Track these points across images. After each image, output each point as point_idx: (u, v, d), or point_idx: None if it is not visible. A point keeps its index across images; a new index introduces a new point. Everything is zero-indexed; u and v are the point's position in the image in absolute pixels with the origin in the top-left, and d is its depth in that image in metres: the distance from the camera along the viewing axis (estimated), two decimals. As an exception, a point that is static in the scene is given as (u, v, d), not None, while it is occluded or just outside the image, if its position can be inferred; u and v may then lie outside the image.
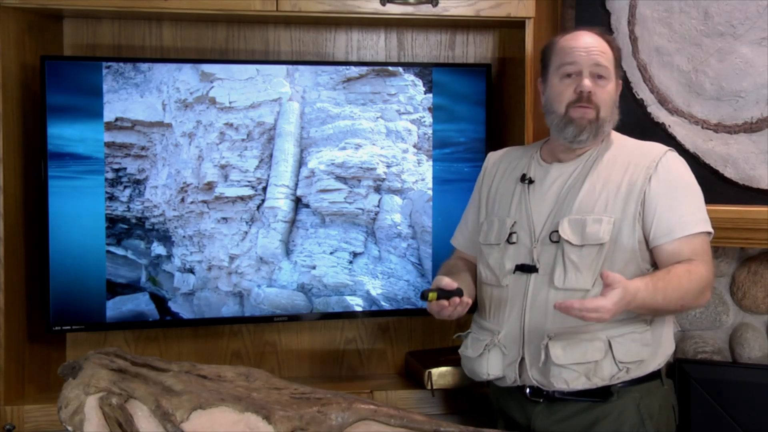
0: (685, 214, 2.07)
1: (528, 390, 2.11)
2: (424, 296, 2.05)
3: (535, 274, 2.10)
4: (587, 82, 2.09)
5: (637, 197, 2.07)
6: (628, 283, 1.90)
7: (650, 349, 2.08)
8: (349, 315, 2.78)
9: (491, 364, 2.14)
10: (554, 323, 2.05)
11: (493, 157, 2.35)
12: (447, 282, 2.07)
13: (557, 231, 2.08)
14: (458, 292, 2.06)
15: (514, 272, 2.13)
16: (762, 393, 2.59)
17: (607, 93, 2.12)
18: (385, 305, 2.77)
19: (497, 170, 2.29)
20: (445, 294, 2.06)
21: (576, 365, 2.03)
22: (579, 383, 2.04)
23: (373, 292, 2.75)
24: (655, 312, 2.05)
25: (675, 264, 2.03)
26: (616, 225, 2.06)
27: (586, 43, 2.12)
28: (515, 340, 2.11)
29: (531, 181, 2.18)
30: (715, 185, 2.55)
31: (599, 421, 2.08)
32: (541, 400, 2.11)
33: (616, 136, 2.20)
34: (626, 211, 2.07)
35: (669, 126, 2.62)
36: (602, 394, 2.07)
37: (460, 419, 2.49)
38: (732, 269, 2.72)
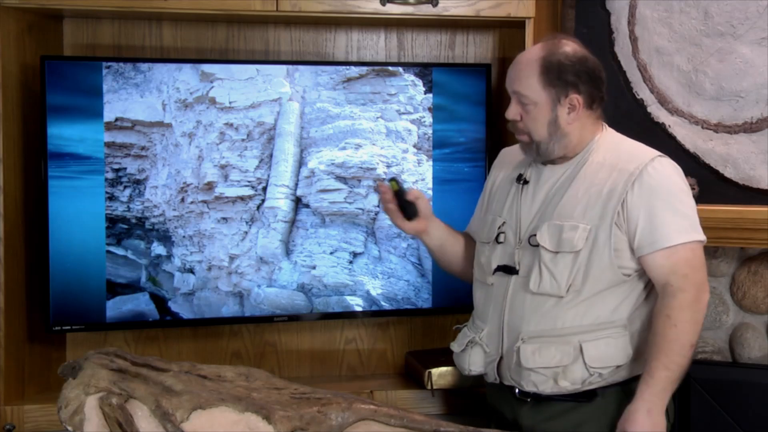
0: (667, 224, 2.00)
1: (517, 390, 2.12)
2: (388, 180, 2.23)
3: (515, 276, 2.10)
4: (508, 111, 2.10)
5: (616, 203, 2.02)
6: (629, 410, 1.97)
7: (628, 354, 2.06)
8: (349, 315, 2.77)
9: (472, 361, 2.17)
10: (529, 325, 2.06)
11: (504, 152, 2.34)
12: (417, 193, 2.25)
13: (536, 235, 2.08)
14: (413, 209, 2.22)
15: (495, 272, 2.14)
16: (762, 393, 2.59)
17: (532, 119, 2.07)
18: (385, 305, 2.77)
19: (503, 167, 2.29)
20: (404, 197, 2.20)
21: (543, 369, 2.04)
22: (547, 387, 2.05)
23: (373, 292, 2.75)
24: (680, 376, 2.01)
25: (655, 321, 2.00)
26: (592, 232, 2.02)
27: (512, 69, 2.11)
28: (495, 339, 2.13)
29: (526, 182, 2.18)
30: (715, 185, 2.55)
31: (586, 421, 2.08)
32: (529, 399, 2.11)
33: (612, 136, 2.16)
34: (603, 217, 2.02)
35: (669, 126, 2.62)
36: (586, 395, 2.07)
37: (459, 419, 2.48)
38: (732, 269, 2.72)
